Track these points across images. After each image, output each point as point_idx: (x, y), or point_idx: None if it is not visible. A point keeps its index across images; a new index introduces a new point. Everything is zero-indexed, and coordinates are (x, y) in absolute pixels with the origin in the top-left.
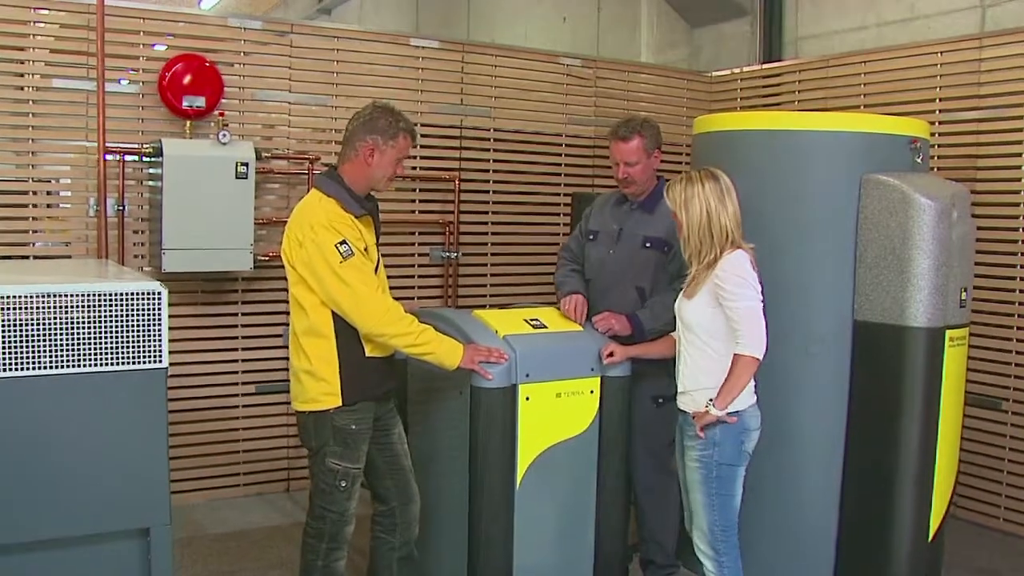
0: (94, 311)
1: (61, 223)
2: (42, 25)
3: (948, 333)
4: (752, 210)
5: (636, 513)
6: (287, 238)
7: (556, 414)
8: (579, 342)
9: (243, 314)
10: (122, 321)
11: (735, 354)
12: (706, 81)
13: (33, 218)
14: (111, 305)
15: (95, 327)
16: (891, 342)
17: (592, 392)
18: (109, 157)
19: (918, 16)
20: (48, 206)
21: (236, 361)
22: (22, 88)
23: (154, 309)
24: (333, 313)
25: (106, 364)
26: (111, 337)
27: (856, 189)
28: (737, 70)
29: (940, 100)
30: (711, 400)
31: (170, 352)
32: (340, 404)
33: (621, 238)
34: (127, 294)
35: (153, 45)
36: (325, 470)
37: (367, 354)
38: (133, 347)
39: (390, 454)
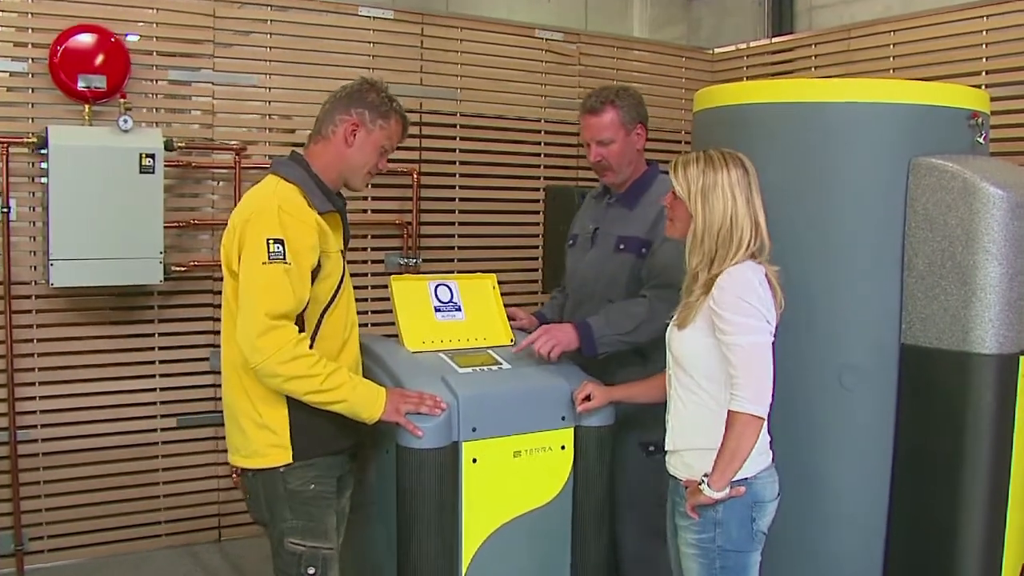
0: None
1: None
2: None
3: (1023, 360)
4: (770, 204)
5: None
6: (227, 232)
7: (515, 479)
8: (545, 383)
9: (160, 334)
10: None
11: (729, 411)
12: (707, 59)
13: None
14: None
15: None
16: (950, 372)
17: (563, 448)
18: None
19: None
20: None
21: (153, 390)
22: None
23: None
24: None
25: None
26: None
27: (903, 177)
28: (743, 45)
29: (987, 73)
30: (705, 475)
31: (74, 381)
32: (291, 460)
33: (596, 240)
34: None
35: (126, 35)
36: (285, 554)
37: None
38: None
39: None
